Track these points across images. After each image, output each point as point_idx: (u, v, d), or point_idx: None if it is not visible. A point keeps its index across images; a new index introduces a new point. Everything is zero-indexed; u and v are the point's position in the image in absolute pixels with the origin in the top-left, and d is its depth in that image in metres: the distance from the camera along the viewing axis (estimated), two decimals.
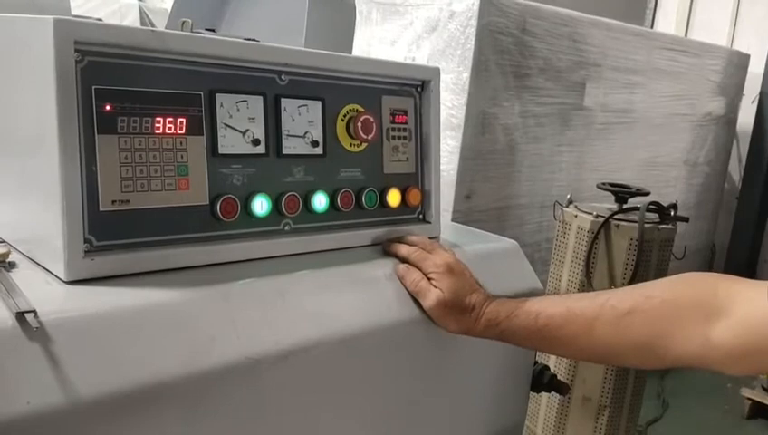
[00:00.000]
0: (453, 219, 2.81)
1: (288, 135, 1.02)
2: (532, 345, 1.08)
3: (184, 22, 1.13)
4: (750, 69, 4.82)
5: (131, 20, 5.73)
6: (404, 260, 1.08)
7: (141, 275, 0.87)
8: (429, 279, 1.04)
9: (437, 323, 1.04)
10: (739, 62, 4.67)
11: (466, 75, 2.90)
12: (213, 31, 1.27)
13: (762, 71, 5.02)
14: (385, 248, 1.12)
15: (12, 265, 0.85)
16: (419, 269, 1.05)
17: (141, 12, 5.94)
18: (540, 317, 0.99)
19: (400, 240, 1.12)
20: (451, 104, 2.93)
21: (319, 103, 1.05)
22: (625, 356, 1.01)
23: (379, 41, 3.23)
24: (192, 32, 1.09)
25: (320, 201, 1.05)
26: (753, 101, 5.08)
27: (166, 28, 1.49)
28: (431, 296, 1.02)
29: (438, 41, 2.99)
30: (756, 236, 5.15)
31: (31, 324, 0.71)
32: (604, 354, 1.03)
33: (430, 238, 1.16)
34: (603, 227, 2.33)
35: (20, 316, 0.71)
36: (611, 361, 1.11)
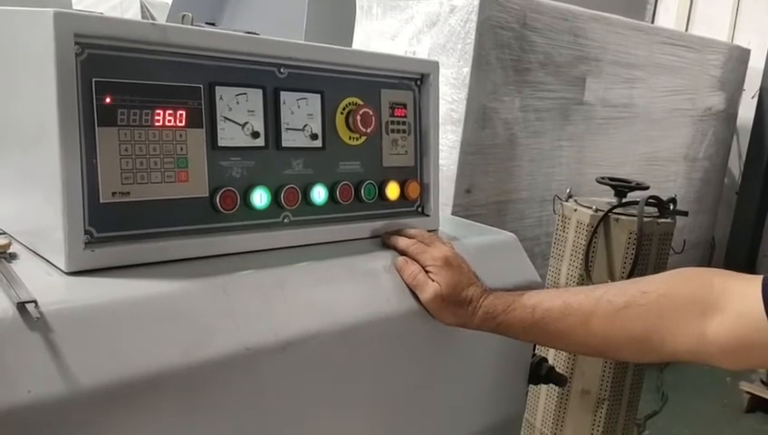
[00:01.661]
0: (453, 213, 2.82)
1: (287, 128, 1.02)
2: (528, 338, 1.08)
3: (184, 15, 1.13)
4: (750, 64, 4.82)
5: (132, 14, 5.72)
6: (402, 253, 1.09)
7: (141, 266, 0.88)
8: (427, 272, 1.04)
9: (434, 316, 1.05)
10: (739, 57, 4.67)
11: (467, 70, 2.90)
12: (213, 25, 1.28)
13: (762, 66, 5.02)
14: (384, 240, 1.12)
15: (13, 257, 0.86)
16: (417, 262, 1.06)
17: (142, 6, 5.93)
18: (536, 310, 1.00)
19: (399, 233, 1.13)
20: (451, 99, 2.93)
21: (318, 96, 1.06)
22: (621, 350, 1.02)
23: (379, 35, 3.23)
24: (192, 25, 1.09)
25: (319, 194, 1.06)
26: (753, 97, 5.07)
27: (166, 22, 1.49)
28: (428, 290, 1.03)
29: (439, 35, 3.00)
30: (756, 231, 5.15)
31: (32, 314, 0.71)
32: (600, 348, 1.03)
33: (429, 231, 1.16)
34: (602, 221, 2.34)
35: (21, 306, 0.72)
36: (608, 354, 1.11)
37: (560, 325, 0.99)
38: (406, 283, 1.05)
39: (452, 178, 2.96)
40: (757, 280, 0.86)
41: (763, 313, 0.83)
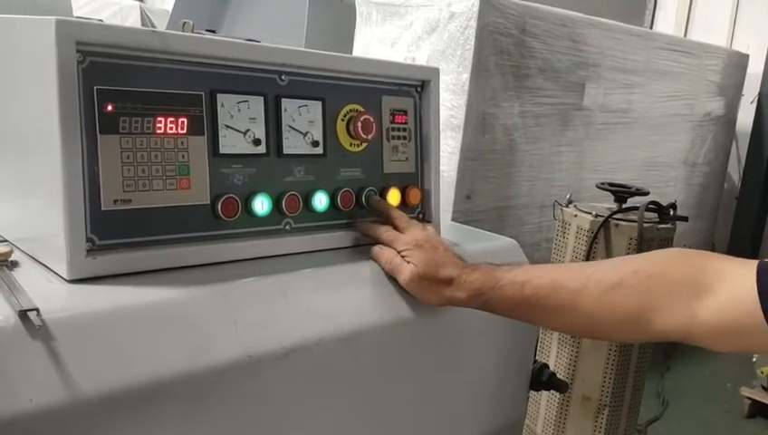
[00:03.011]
0: (453, 219, 2.82)
1: (289, 135, 1.02)
2: (515, 315, 1.05)
3: (185, 23, 1.14)
4: (749, 69, 4.83)
5: (132, 21, 5.74)
6: (377, 240, 1.08)
7: (143, 273, 0.88)
8: (403, 257, 1.04)
9: (419, 299, 1.04)
10: (738, 63, 4.68)
11: (466, 76, 2.91)
12: (213, 32, 1.28)
13: (761, 71, 5.03)
14: (360, 229, 1.11)
15: (14, 264, 0.86)
16: (393, 249, 1.06)
17: (142, 13, 5.95)
18: (526, 287, 0.98)
19: (377, 221, 1.12)
20: (451, 105, 2.93)
21: (319, 103, 1.06)
22: (609, 329, 1.00)
23: (379, 42, 3.23)
24: (193, 33, 1.09)
25: (320, 200, 1.06)
26: (752, 102, 5.08)
27: (167, 29, 1.49)
28: (405, 271, 1.02)
29: (438, 42, 3.00)
30: (755, 235, 5.15)
31: (33, 322, 0.71)
32: (588, 327, 1.01)
33: None
34: (603, 227, 2.34)
35: (22, 314, 0.71)
36: (596, 334, 1.09)
37: (548, 302, 0.97)
38: (384, 269, 1.05)
39: (452, 184, 2.96)
40: (752, 264, 0.85)
41: (756, 297, 0.82)
